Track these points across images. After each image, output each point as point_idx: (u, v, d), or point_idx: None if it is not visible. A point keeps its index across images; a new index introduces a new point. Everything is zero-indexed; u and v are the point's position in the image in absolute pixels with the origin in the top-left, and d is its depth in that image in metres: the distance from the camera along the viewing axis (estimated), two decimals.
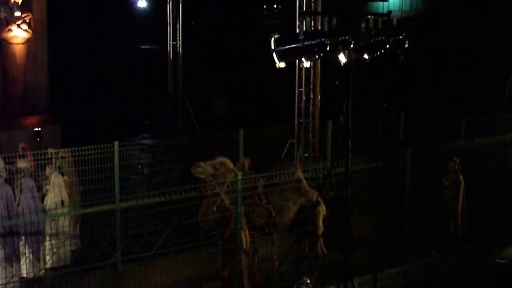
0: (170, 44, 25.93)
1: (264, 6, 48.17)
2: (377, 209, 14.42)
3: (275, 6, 48.63)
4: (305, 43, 10.45)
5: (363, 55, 10.74)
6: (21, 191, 13.65)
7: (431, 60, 29.49)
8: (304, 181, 13.49)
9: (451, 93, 26.36)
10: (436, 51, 30.10)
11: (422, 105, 19.26)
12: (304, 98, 18.46)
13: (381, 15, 11.09)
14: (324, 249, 13.62)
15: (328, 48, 10.42)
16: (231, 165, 12.82)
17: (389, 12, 11.41)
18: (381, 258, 12.91)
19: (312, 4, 18.66)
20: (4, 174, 15.10)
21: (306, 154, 18.00)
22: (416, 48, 12.65)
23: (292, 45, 10.60)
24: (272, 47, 10.64)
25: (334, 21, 11.15)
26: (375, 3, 46.26)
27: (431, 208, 15.17)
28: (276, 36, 10.73)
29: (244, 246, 12.31)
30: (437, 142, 15.64)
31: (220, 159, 12.81)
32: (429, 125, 17.69)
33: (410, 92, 24.42)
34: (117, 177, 13.26)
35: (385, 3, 45.99)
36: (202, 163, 12.58)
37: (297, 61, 16.89)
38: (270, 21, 44.00)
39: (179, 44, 25.76)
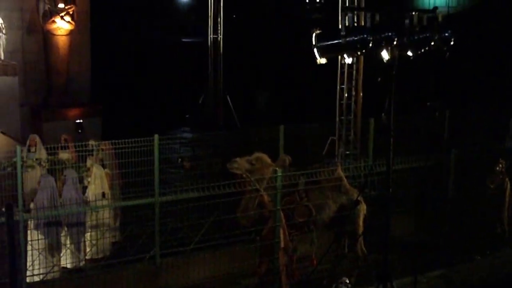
0: (211, 37, 25.88)
1: (307, 0, 47.88)
2: (418, 210, 14.24)
3: (317, 0, 48.31)
4: (347, 39, 10.33)
5: (407, 52, 10.56)
6: (64, 182, 13.76)
7: (478, 57, 29.01)
8: (345, 180, 13.37)
9: (499, 92, 25.90)
10: (484, 48, 29.59)
11: (468, 104, 18.93)
12: (346, 95, 18.23)
13: (427, 11, 10.90)
14: (364, 249, 13.49)
15: (370, 45, 10.28)
16: (268, 160, 12.76)
17: (435, 8, 11.19)
18: (422, 260, 12.78)
19: None
20: (47, 165, 15.30)
21: (347, 152, 17.80)
22: (463, 45, 12.45)
23: (334, 41, 10.48)
24: (314, 42, 10.53)
25: (377, 17, 11.02)
26: None
27: (475, 210, 14.94)
28: (318, 31, 10.62)
29: (283, 244, 12.25)
30: (482, 143, 15.41)
31: (256, 154, 12.76)
32: (475, 124, 17.42)
33: (455, 90, 24.03)
34: (157, 171, 13.29)
35: None
36: (238, 159, 12.54)
37: (339, 57, 16.75)
38: (313, 15, 43.75)
39: (220, 38, 25.71)
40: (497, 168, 15.06)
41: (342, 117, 18.05)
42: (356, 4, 17.97)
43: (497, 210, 15.27)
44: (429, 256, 13.64)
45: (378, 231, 11.53)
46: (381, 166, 12.40)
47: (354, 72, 18.18)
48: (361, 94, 18.30)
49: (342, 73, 18.28)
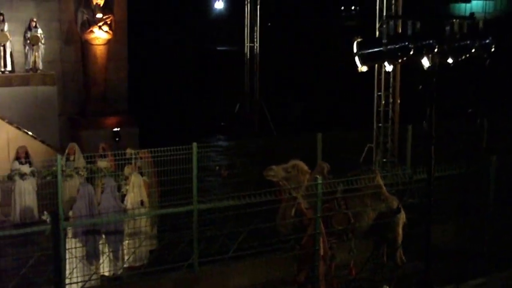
0: (247, 45, 25.91)
1: (342, 8, 47.79)
2: (459, 217, 14.06)
3: (352, 7, 48.22)
4: (388, 47, 10.23)
5: (447, 59, 10.45)
6: (103, 190, 13.82)
7: None
8: (384, 187, 13.24)
9: None
10: None
11: (508, 111, 18.71)
12: (383, 102, 18.14)
13: (466, 18, 10.76)
14: (403, 257, 13.34)
15: (411, 52, 10.18)
16: (304, 167, 12.66)
17: (472, 14, 11.05)
18: (463, 268, 12.60)
19: (393, 6, 18.30)
20: (85, 174, 15.42)
21: (384, 160, 17.69)
22: (502, 51, 12.29)
23: (375, 49, 10.40)
24: (355, 50, 10.46)
25: (418, 25, 10.88)
26: (457, 5, 45.37)
27: None
28: (359, 39, 10.55)
29: (322, 252, 12.17)
30: None
31: (293, 162, 12.67)
32: None
33: (496, 97, 23.77)
34: (195, 179, 13.28)
35: (468, 4, 45.04)
36: (274, 167, 12.46)
37: (376, 65, 16.66)
38: (348, 22, 43.62)
39: (256, 46, 25.71)
40: None
41: (380, 124, 17.95)
42: (393, 11, 17.94)
43: None
44: (470, 264, 13.43)
45: (418, 239, 11.39)
46: (421, 173, 12.24)
47: (391, 79, 18.13)
48: (399, 101, 18.20)
49: (379, 80, 18.23)
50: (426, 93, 9.90)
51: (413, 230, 12.80)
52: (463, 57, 10.35)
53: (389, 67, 10.66)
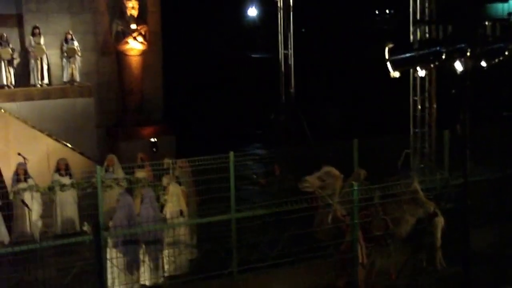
0: (281, 52, 25.92)
1: (376, 12, 47.56)
2: (498, 222, 13.95)
3: (387, 11, 47.96)
4: (420, 52, 10.25)
5: (481, 62, 10.41)
6: (142, 201, 13.97)
7: None
8: (421, 193, 13.20)
9: None
10: None
11: None
12: (419, 106, 18.04)
13: (500, 20, 10.72)
14: (443, 262, 13.28)
15: (443, 57, 10.17)
16: (337, 172, 12.72)
17: (510, 14, 11.01)
18: (503, 272, 12.50)
19: (426, 9, 18.16)
20: (124, 184, 15.61)
21: (422, 165, 17.58)
22: None
23: (407, 55, 10.42)
24: (386, 56, 10.49)
25: (450, 28, 10.89)
26: (494, 5, 44.74)
27: None
28: (390, 45, 10.58)
29: (360, 258, 12.16)
30: None
31: (325, 169, 12.73)
32: None
33: None
34: (232, 188, 13.38)
35: (505, 4, 44.37)
36: (308, 177, 12.54)
37: (411, 69, 16.59)
38: (383, 26, 43.38)
39: (291, 53, 25.71)
40: None
41: (417, 130, 17.87)
42: (427, 15, 17.83)
43: None
44: (510, 268, 13.32)
45: (457, 244, 11.34)
46: (458, 178, 12.19)
47: (427, 83, 18.00)
48: (435, 105, 18.08)
49: (415, 85, 18.13)
50: (459, 97, 9.89)
51: (453, 235, 12.73)
52: (497, 59, 10.31)
53: (421, 72, 10.64)
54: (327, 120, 29.90)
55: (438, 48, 10.02)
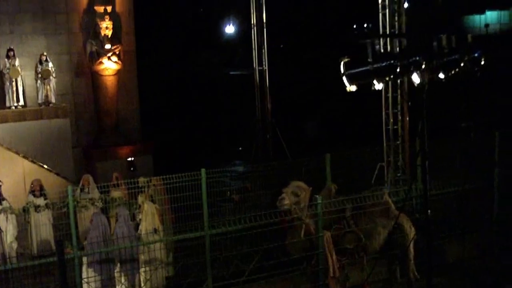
0: (256, 68, 26.03)
1: (354, 26, 47.75)
2: (467, 233, 14.09)
3: (365, 25, 48.16)
4: (375, 65, 10.37)
5: (438, 74, 10.53)
6: (116, 220, 14.01)
7: None
8: (392, 205, 13.31)
9: None
10: None
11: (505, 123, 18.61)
12: (391, 120, 18.17)
13: (456, 33, 10.86)
14: (416, 273, 13.37)
15: (398, 70, 10.29)
16: (305, 186, 12.83)
17: (487, 25, 11.23)
18: (475, 283, 12.61)
19: (396, 23, 18.30)
20: (99, 204, 15.65)
21: (397, 176, 17.69)
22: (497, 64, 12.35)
23: (362, 69, 10.53)
24: (342, 70, 10.62)
25: (405, 42, 11.01)
26: (471, 17, 45.16)
27: None
28: (346, 59, 10.71)
29: (332, 272, 12.26)
30: None
31: (294, 183, 12.82)
32: None
33: (492, 110, 23.64)
34: (205, 204, 13.43)
35: (482, 16, 44.82)
36: (284, 195, 12.60)
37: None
38: (361, 40, 43.49)
39: (265, 69, 25.82)
40: None
41: (390, 143, 17.99)
42: (397, 27, 18.00)
43: None
44: (481, 278, 13.46)
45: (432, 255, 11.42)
46: (433, 189, 12.32)
47: (399, 96, 18.11)
48: (407, 118, 18.20)
49: (387, 98, 18.25)
50: (416, 109, 10.01)
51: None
52: (453, 71, 10.42)
53: (378, 86, 10.72)
54: (305, 134, 30.02)
55: (392, 62, 10.15)
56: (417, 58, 10.00)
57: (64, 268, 9.23)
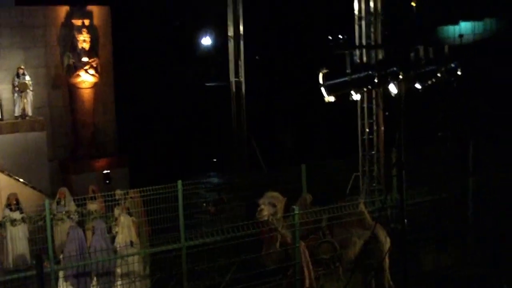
0: (232, 80, 26.11)
1: (330, 37, 47.93)
2: (441, 242, 14.21)
3: (340, 36, 48.38)
4: (353, 76, 10.50)
5: (415, 84, 10.68)
6: (93, 233, 13.99)
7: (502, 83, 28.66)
8: (368, 215, 13.41)
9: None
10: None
11: (484, 133, 18.83)
12: (367, 130, 18.32)
13: (433, 44, 11.05)
14: (391, 283, 13.46)
15: (376, 80, 10.42)
16: (280, 196, 12.89)
17: (461, 36, 11.45)
18: None
19: (372, 34, 18.47)
20: (76, 217, 15.63)
21: (373, 186, 17.84)
22: (488, 72, 12.51)
23: (340, 79, 10.66)
24: (321, 82, 10.73)
25: (382, 53, 11.15)
26: (445, 27, 45.63)
27: (504, 239, 14.78)
28: (324, 71, 10.83)
29: (307, 283, 12.31)
30: (505, 171, 15.32)
31: (270, 194, 12.87)
32: (492, 153, 17.30)
33: (471, 119, 23.91)
34: (181, 216, 13.49)
35: (456, 26, 45.32)
36: (263, 206, 12.64)
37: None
38: (337, 51, 43.64)
39: (241, 80, 25.90)
40: None
41: (365, 153, 18.14)
42: (372, 38, 18.19)
43: None
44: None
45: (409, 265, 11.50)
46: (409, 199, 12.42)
47: (374, 106, 18.28)
48: (383, 128, 18.35)
49: (362, 108, 18.42)
50: (393, 119, 10.15)
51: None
52: (430, 82, 10.59)
53: (356, 96, 10.86)
54: (281, 146, 30.09)
55: (370, 72, 10.28)
56: (395, 69, 10.15)
57: (43, 282, 9.24)
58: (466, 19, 44.65)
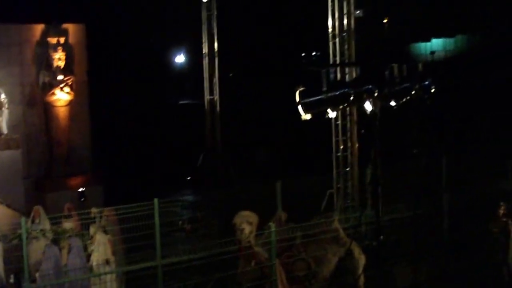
0: (207, 98, 26.20)
1: (303, 54, 48.26)
2: (418, 258, 14.33)
3: (313, 53, 48.72)
4: (329, 94, 10.60)
5: (390, 102, 10.82)
6: (69, 251, 13.96)
7: (474, 99, 29.00)
8: (342, 232, 13.53)
9: (492, 135, 25.97)
10: (481, 89, 29.59)
11: (457, 148, 19.09)
12: (341, 147, 18.45)
13: (407, 62, 11.19)
14: None
15: (352, 98, 10.54)
16: (253, 214, 12.98)
17: (432, 53, 11.59)
18: None
19: (346, 51, 18.65)
20: (50, 235, 15.55)
21: (347, 203, 17.95)
22: (459, 88, 12.69)
23: (316, 97, 10.76)
24: (297, 99, 10.83)
25: (357, 71, 11.27)
26: (417, 45, 46.25)
27: (479, 254, 14.93)
28: (301, 88, 10.94)
29: None
30: (478, 186, 15.51)
31: (242, 213, 12.94)
32: (467, 168, 17.50)
33: (445, 135, 24.19)
34: (158, 234, 13.50)
35: (428, 43, 45.95)
36: (244, 226, 12.67)
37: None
38: (310, 68, 43.84)
39: (216, 98, 26.00)
40: (500, 211, 15.00)
41: (339, 170, 18.27)
42: (347, 56, 18.38)
43: (503, 254, 15.13)
44: None
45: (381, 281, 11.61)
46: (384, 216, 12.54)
47: (348, 123, 18.44)
48: (357, 145, 18.50)
49: (336, 125, 18.57)
50: (369, 136, 10.26)
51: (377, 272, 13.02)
52: (405, 99, 10.73)
53: (332, 114, 10.98)
54: (255, 162, 30.17)
55: (346, 90, 10.39)
56: (370, 87, 10.27)
57: None
58: (437, 36, 45.29)
